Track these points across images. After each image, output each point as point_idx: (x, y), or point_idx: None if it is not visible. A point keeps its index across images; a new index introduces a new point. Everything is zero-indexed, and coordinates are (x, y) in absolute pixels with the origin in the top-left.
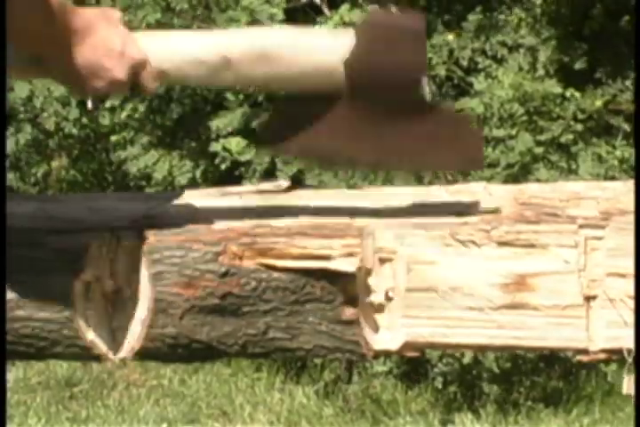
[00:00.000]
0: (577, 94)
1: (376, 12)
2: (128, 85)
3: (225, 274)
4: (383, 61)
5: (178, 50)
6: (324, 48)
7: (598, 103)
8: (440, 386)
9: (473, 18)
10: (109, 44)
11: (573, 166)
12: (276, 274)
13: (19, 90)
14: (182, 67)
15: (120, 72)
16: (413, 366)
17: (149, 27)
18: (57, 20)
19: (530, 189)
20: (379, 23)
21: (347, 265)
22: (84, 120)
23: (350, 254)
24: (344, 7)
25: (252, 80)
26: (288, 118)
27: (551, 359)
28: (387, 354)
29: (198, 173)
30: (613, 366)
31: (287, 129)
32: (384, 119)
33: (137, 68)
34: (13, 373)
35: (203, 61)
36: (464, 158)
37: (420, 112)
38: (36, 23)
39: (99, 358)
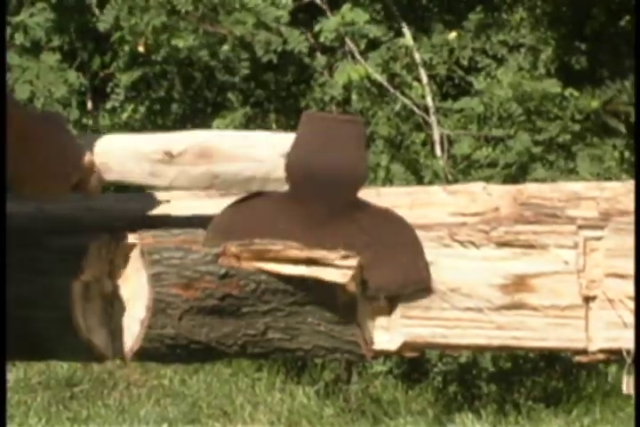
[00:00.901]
0: (576, 94)
1: (314, 115)
2: (71, 188)
3: (224, 275)
4: (322, 161)
5: (121, 147)
6: (265, 145)
7: (596, 103)
8: (440, 386)
9: (474, 17)
10: (60, 149)
11: (571, 166)
12: (275, 275)
13: (19, 91)
14: (126, 163)
15: (68, 177)
16: (413, 365)
17: (155, 30)
18: (7, 121)
19: (529, 190)
20: (318, 125)
21: (340, 275)
22: (84, 120)
23: (347, 257)
24: (345, 7)
25: (193, 177)
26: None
27: (551, 359)
28: (386, 355)
29: None
30: (614, 367)
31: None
32: (322, 219)
33: (82, 172)
34: (14, 373)
35: (146, 156)
36: (406, 277)
37: (356, 213)
38: None
39: (98, 358)
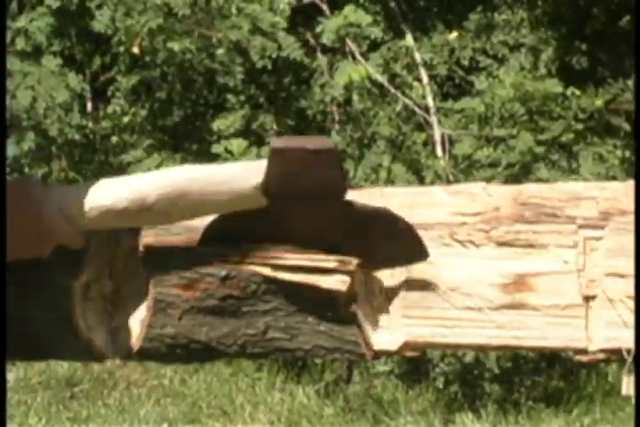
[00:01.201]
0: (578, 93)
1: (280, 140)
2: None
3: (225, 277)
4: (300, 181)
5: (94, 203)
6: (238, 177)
7: (599, 103)
8: (441, 386)
9: (474, 17)
10: (27, 220)
11: (574, 166)
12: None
13: (21, 97)
14: (103, 217)
15: (44, 246)
16: (414, 365)
17: (151, 32)
18: None
19: (529, 190)
20: (288, 148)
21: (339, 284)
22: (84, 122)
23: (345, 263)
24: (348, 8)
25: (171, 216)
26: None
27: (552, 359)
28: (386, 354)
29: None
30: (614, 367)
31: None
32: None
33: (57, 239)
34: (14, 373)
35: (121, 210)
36: (408, 252)
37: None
38: None
39: (98, 358)
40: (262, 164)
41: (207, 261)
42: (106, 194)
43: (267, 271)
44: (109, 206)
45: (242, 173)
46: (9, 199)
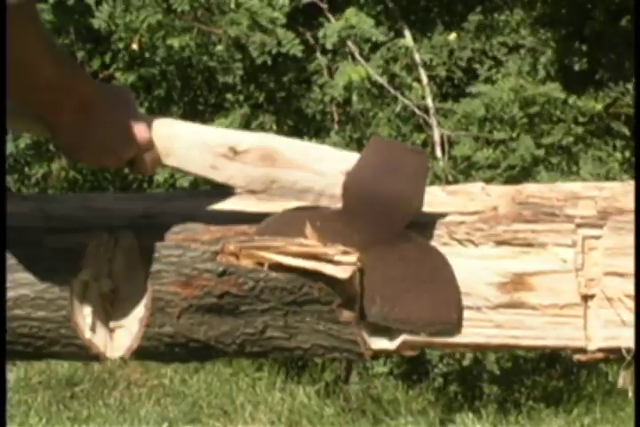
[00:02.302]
0: (578, 99)
1: (382, 140)
2: (125, 165)
3: (223, 273)
4: (380, 186)
5: (188, 135)
6: (329, 160)
7: (599, 106)
8: (441, 386)
9: (473, 18)
10: (120, 124)
11: (574, 169)
12: (273, 274)
13: None
14: (190, 151)
15: (123, 152)
16: (414, 366)
17: (150, 28)
18: (72, 90)
19: (527, 189)
20: (384, 149)
21: (341, 271)
22: None
23: (348, 253)
24: (349, 11)
25: (252, 177)
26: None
27: (552, 359)
28: (385, 353)
29: None
30: (614, 366)
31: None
32: (366, 243)
33: (141, 152)
34: (14, 372)
35: (210, 148)
36: (434, 315)
37: (401, 243)
38: (53, 93)
39: (96, 357)
40: (356, 155)
41: (205, 258)
42: (202, 134)
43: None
44: (202, 142)
45: (334, 156)
46: (97, 102)
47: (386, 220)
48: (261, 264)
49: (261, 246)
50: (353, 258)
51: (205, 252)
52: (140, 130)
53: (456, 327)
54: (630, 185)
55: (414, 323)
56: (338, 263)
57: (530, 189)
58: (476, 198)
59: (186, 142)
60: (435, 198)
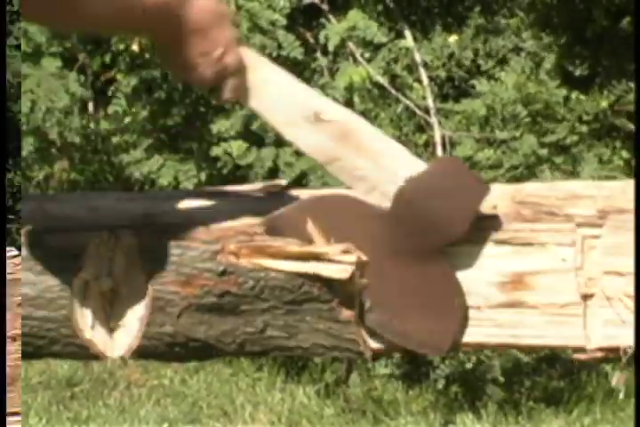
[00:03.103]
0: (582, 96)
1: (453, 160)
2: (209, 85)
3: (223, 273)
4: (433, 202)
5: (281, 86)
6: (396, 158)
7: (604, 104)
8: (441, 386)
9: (473, 22)
10: (215, 41)
11: (578, 168)
12: (273, 273)
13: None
14: (277, 102)
15: (208, 71)
16: (415, 366)
17: None
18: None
19: (527, 188)
20: (449, 167)
21: (341, 271)
22: (85, 123)
23: (347, 252)
24: (352, 13)
25: (320, 147)
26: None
27: (552, 359)
28: (385, 353)
29: (203, 177)
30: (615, 367)
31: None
32: (397, 254)
33: (225, 74)
34: None
35: (298, 106)
36: (428, 339)
37: (427, 262)
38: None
39: (96, 356)
40: (424, 164)
41: (204, 257)
42: (295, 88)
43: (267, 263)
44: (290, 98)
45: (402, 156)
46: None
47: (425, 236)
48: None
49: (261, 246)
50: (352, 258)
51: (205, 251)
52: (233, 53)
53: (443, 354)
54: (630, 184)
55: (408, 338)
56: (338, 263)
57: (529, 188)
58: None
59: (276, 91)
60: None
